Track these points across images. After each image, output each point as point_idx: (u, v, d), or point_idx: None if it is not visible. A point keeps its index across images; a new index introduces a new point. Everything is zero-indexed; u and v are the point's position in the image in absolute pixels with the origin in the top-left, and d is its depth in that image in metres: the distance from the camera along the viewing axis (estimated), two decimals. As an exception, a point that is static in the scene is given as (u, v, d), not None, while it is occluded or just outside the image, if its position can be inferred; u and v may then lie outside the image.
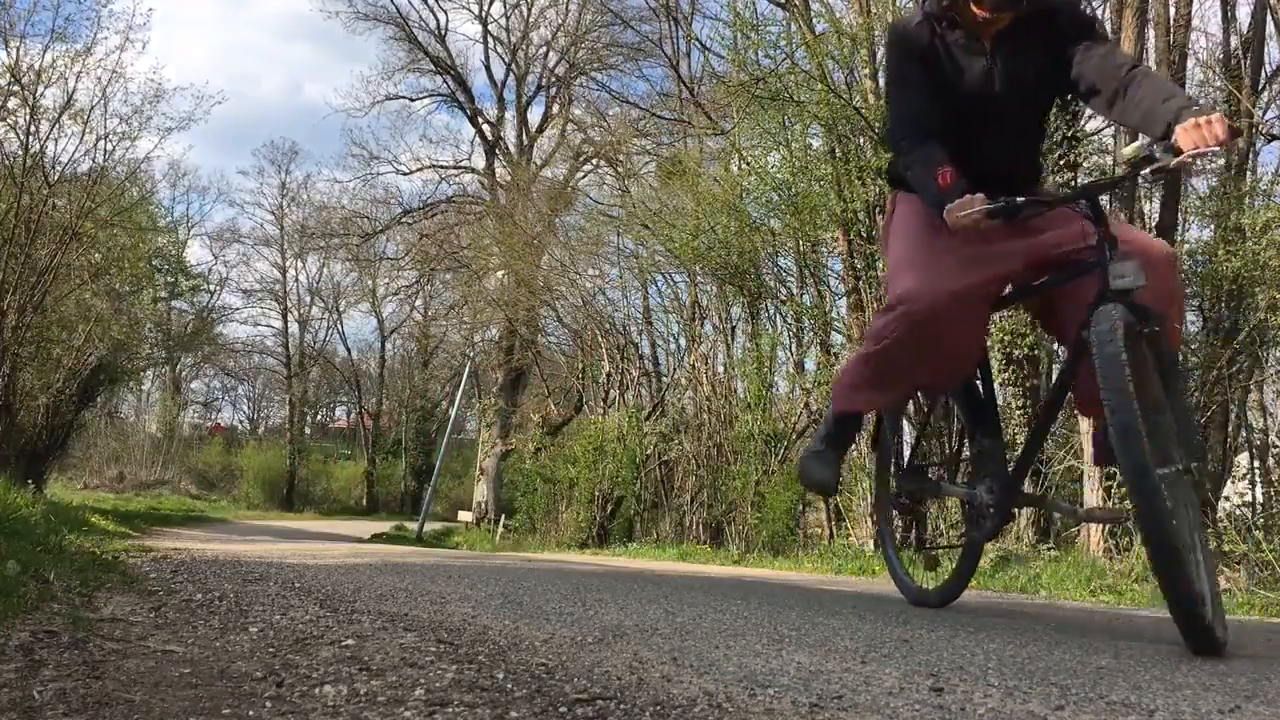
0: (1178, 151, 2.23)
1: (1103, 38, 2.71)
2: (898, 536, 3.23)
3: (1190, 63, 6.89)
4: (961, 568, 2.86)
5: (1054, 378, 2.45)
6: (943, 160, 2.54)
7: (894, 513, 3.19)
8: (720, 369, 12.10)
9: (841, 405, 2.87)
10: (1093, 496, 5.52)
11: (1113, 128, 6.88)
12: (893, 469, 3.12)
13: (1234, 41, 7.08)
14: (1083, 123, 7.05)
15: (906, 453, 3.31)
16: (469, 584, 3.11)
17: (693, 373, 12.65)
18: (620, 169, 19.45)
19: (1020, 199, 2.43)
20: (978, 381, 2.85)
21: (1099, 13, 7.28)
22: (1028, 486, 3.64)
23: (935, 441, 3.30)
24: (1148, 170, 2.32)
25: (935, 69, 2.69)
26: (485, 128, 27.34)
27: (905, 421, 3.54)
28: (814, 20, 9.43)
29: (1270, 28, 6.94)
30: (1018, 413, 6.54)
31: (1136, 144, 2.40)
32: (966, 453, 2.88)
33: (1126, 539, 5.43)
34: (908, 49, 2.72)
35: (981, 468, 2.76)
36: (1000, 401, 4.90)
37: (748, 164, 10.26)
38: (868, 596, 3.11)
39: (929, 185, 2.56)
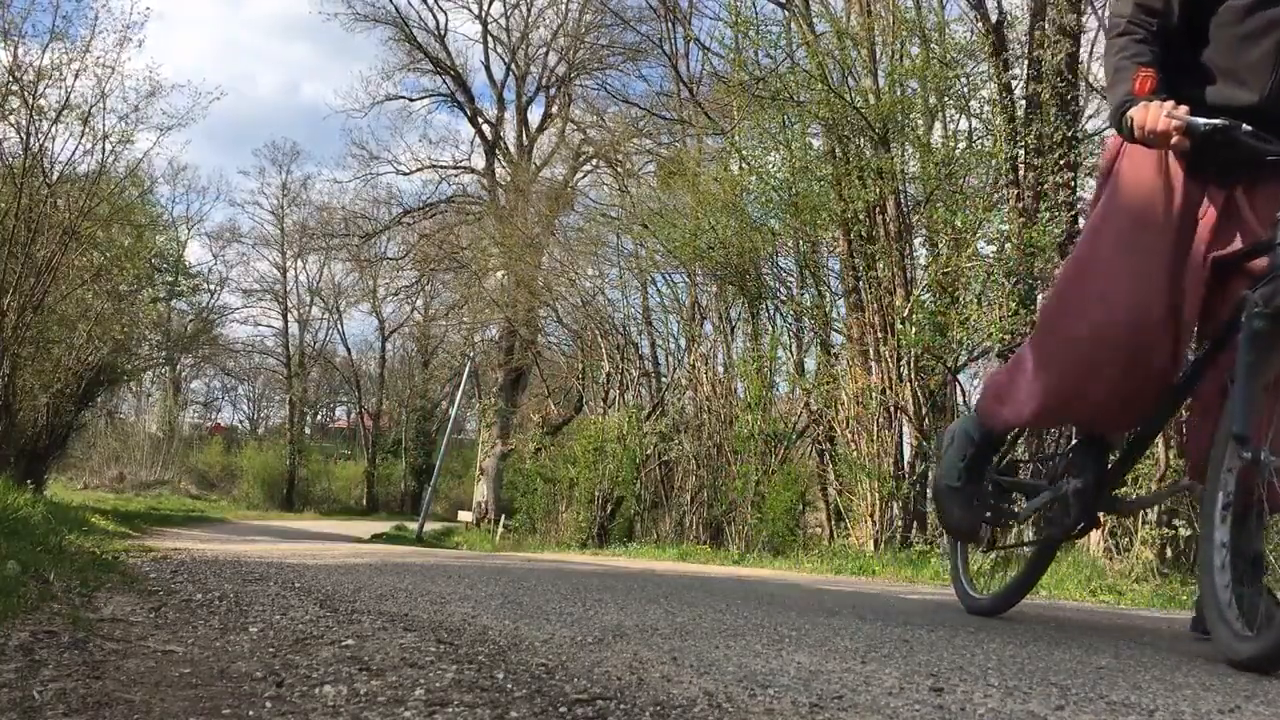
0: None
1: None
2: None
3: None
4: (1026, 571, 2.55)
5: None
6: (1150, 62, 2.07)
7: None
8: (720, 369, 12.11)
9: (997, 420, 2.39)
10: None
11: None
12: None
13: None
14: (1084, 122, 7.04)
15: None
16: (469, 584, 3.11)
17: (693, 373, 12.66)
18: (620, 169, 19.46)
19: (1248, 128, 1.93)
20: None
21: (1100, 10, 7.27)
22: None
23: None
24: None
25: None
26: (485, 128, 27.40)
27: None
28: (814, 20, 9.45)
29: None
30: None
31: None
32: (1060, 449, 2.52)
33: (1126, 540, 5.42)
34: None
35: (1080, 461, 2.36)
36: None
37: (748, 164, 10.27)
38: (868, 596, 3.11)
39: (1119, 83, 2.09)
